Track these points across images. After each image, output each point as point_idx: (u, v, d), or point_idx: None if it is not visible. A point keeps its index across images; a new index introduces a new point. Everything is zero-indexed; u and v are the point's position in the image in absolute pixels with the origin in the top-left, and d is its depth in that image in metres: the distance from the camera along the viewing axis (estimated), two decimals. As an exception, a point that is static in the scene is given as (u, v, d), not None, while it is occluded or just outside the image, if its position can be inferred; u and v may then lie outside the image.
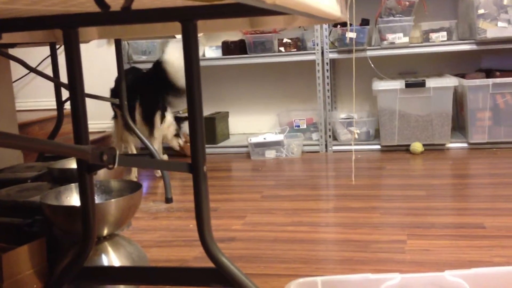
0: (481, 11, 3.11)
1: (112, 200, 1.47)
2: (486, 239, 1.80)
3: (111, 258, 1.53)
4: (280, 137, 3.39)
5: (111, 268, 1.37)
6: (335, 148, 3.51)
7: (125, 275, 1.29)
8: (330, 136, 3.52)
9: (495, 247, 1.72)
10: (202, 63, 3.59)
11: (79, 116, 1.22)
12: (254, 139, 3.37)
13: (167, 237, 2.02)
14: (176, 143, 3.35)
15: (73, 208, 1.49)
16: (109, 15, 1.14)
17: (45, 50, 3.32)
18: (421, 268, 1.59)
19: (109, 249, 1.54)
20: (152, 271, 1.26)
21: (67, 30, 1.19)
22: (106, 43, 3.75)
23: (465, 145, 3.32)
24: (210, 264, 1.20)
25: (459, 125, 3.55)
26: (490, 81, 3.18)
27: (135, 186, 1.60)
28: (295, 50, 3.52)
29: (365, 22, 3.38)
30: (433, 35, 3.33)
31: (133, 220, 2.25)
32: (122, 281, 1.38)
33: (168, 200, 2.48)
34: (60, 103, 2.45)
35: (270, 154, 3.37)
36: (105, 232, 1.52)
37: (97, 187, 1.64)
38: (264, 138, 3.38)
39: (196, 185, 1.14)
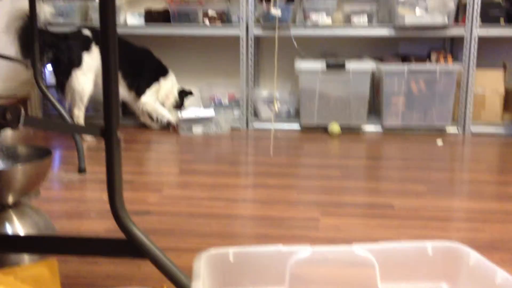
0: (401, -2, 3.21)
1: (18, 166, 1.39)
2: (394, 218, 1.87)
3: (16, 227, 1.45)
4: (210, 112, 3.33)
5: (15, 237, 1.30)
6: (256, 125, 3.53)
7: (30, 244, 1.23)
8: (251, 113, 3.53)
9: (402, 226, 1.80)
10: (123, 30, 3.47)
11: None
12: (185, 114, 3.30)
13: (78, 208, 1.95)
14: (171, 116, 3.39)
15: (-26, 173, 1.40)
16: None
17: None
18: (332, 244, 1.63)
19: (14, 217, 1.46)
20: (59, 240, 1.21)
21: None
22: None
23: (379, 128, 3.44)
24: (122, 236, 1.16)
25: (375, 108, 3.67)
26: (406, 66, 3.30)
27: (44, 153, 1.52)
28: (220, 23, 3.47)
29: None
30: (354, 18, 3.39)
31: (43, 189, 2.15)
32: (27, 250, 1.31)
33: (81, 170, 2.39)
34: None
35: (198, 129, 3.31)
36: (10, 200, 1.44)
37: (2, 152, 1.54)
38: (195, 114, 3.32)
39: (108, 150, 1.09)
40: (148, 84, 3.37)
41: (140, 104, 3.37)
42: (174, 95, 3.47)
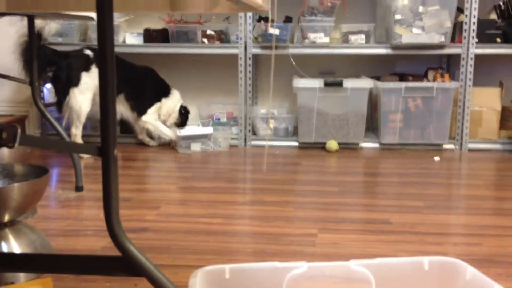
0: (397, 17, 3.24)
1: (15, 184, 1.40)
2: (391, 234, 1.87)
3: (12, 245, 1.45)
4: (209, 130, 3.35)
5: (11, 255, 1.29)
6: (254, 142, 3.54)
7: (26, 262, 1.23)
8: (249, 130, 3.54)
9: (399, 242, 1.80)
10: (122, 50, 3.50)
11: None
12: (183, 132, 3.32)
13: (75, 226, 1.95)
14: (172, 134, 3.43)
15: (-29, 191, 1.40)
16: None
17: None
18: (329, 260, 1.63)
19: (10, 236, 1.46)
20: (54, 258, 1.20)
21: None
22: (19, 19, 3.55)
23: (377, 145, 3.45)
24: (118, 254, 1.16)
25: (372, 126, 3.68)
26: (403, 84, 3.32)
27: (41, 171, 1.53)
28: (219, 42, 3.50)
29: (288, 19, 3.42)
30: (352, 37, 3.43)
31: (40, 208, 2.15)
32: (22, 268, 1.31)
33: (79, 189, 2.39)
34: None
35: (196, 147, 3.32)
36: (6, 218, 1.44)
37: (-1, 171, 1.55)
38: (193, 131, 3.33)
39: (105, 169, 1.10)
40: (149, 104, 3.39)
41: (141, 122, 3.39)
42: (176, 113, 3.49)
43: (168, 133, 3.43)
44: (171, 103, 3.47)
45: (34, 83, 2.26)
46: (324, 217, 2.06)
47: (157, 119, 3.43)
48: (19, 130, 0.91)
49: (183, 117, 3.52)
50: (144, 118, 3.38)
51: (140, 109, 3.37)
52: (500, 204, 2.24)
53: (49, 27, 3.20)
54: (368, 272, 1.10)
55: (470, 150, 3.41)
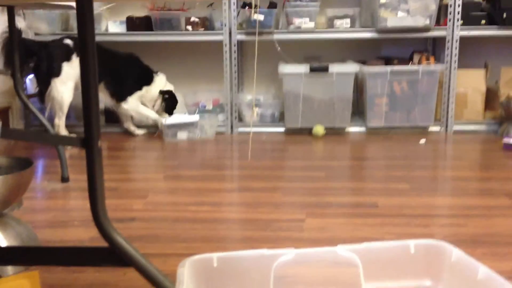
0: (382, 0, 3.23)
1: (-1, 177, 1.38)
2: (378, 217, 1.89)
3: (-2, 238, 1.44)
4: (195, 118, 3.33)
5: (-3, 249, 1.29)
6: (240, 129, 3.53)
7: (13, 255, 1.22)
8: (236, 117, 3.53)
9: (386, 225, 1.81)
10: (105, 38, 3.46)
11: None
12: (169, 120, 3.29)
13: (61, 218, 1.94)
14: (156, 115, 3.41)
15: (-46, 185, 1.39)
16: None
17: None
18: (317, 245, 1.64)
19: (-4, 229, 1.45)
20: (41, 251, 1.20)
21: None
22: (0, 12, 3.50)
23: (363, 129, 3.47)
24: (106, 245, 1.15)
25: (358, 110, 3.69)
26: (388, 68, 3.33)
27: (26, 163, 1.52)
28: (203, 29, 3.48)
29: (272, 5, 3.40)
30: (337, 22, 3.42)
31: (26, 200, 2.13)
32: (10, 262, 1.30)
33: (64, 179, 2.37)
34: None
35: (183, 135, 3.30)
36: (-9, 211, 1.43)
37: (-17, 164, 1.53)
38: (179, 119, 3.31)
39: (89, 160, 1.09)
40: (129, 92, 3.35)
41: (123, 110, 3.36)
42: (160, 99, 3.46)
43: (152, 115, 3.40)
44: (155, 89, 3.44)
45: (16, 75, 2.23)
46: (312, 202, 2.07)
47: (139, 104, 3.39)
48: (0, 123, 0.90)
49: (167, 102, 3.48)
50: (124, 104, 3.34)
51: (119, 97, 3.34)
52: (484, 185, 2.26)
53: (39, 27, 3.16)
54: (355, 257, 1.11)
55: (456, 132, 3.44)
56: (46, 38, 3.24)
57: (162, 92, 3.44)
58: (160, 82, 3.45)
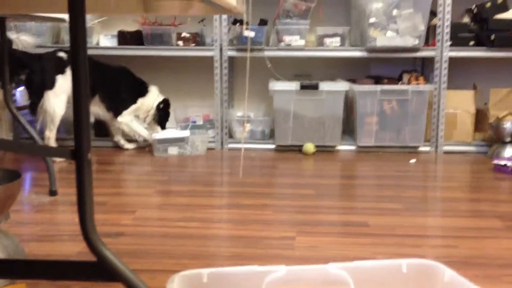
0: (372, 20, 3.26)
1: (-14, 189, 1.36)
2: (369, 237, 1.88)
3: (-17, 252, 1.41)
4: (185, 133, 3.32)
5: (-18, 263, 1.26)
6: (230, 145, 3.52)
7: (0, 268, 1.19)
8: (226, 133, 3.52)
9: (377, 244, 1.80)
10: (96, 52, 3.45)
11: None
12: (159, 135, 3.28)
13: (49, 231, 1.90)
14: (146, 133, 3.42)
15: None
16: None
17: None
18: (308, 264, 1.63)
19: (-19, 242, 1.42)
20: (28, 264, 1.17)
21: None
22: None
23: (353, 147, 3.47)
24: (94, 259, 1.13)
25: (348, 128, 3.70)
26: (378, 87, 3.34)
27: (14, 175, 1.49)
28: (194, 44, 3.48)
29: (263, 22, 3.42)
30: (327, 40, 3.44)
31: (13, 212, 2.10)
32: (-5, 276, 1.27)
33: (53, 193, 2.34)
34: None
35: (173, 150, 3.29)
36: (-23, 223, 1.40)
37: (-30, 175, 1.51)
38: (169, 134, 3.29)
39: (79, 172, 1.07)
40: (124, 106, 3.35)
41: (116, 123, 3.36)
42: (154, 109, 3.46)
43: (143, 133, 3.40)
44: (149, 101, 3.43)
45: (6, 86, 2.21)
46: (302, 220, 2.05)
47: (133, 120, 3.39)
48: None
49: (161, 112, 3.47)
50: (119, 118, 3.34)
51: (115, 111, 3.34)
52: (475, 206, 2.27)
53: (26, 41, 3.14)
54: (346, 275, 1.10)
55: (446, 152, 3.45)
56: (35, 51, 3.22)
57: (160, 102, 3.44)
58: (154, 94, 3.45)
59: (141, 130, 3.40)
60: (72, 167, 2.88)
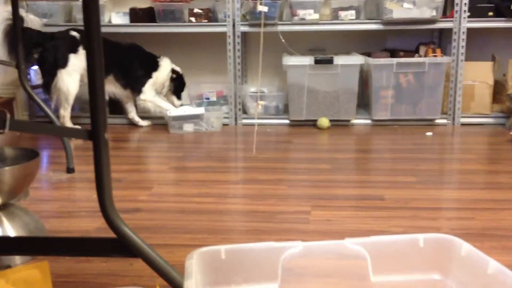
0: (388, -8, 3.21)
1: (6, 168, 1.38)
2: (385, 210, 1.88)
3: (6, 228, 1.44)
4: (200, 110, 3.32)
5: (5, 238, 1.28)
6: (244, 121, 3.52)
7: (21, 245, 1.22)
8: (240, 109, 3.52)
9: (393, 217, 1.80)
10: (108, 30, 3.45)
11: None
12: (174, 112, 3.29)
13: (68, 208, 1.93)
14: (171, 107, 3.41)
15: (-39, 176, 1.38)
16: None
17: None
18: (323, 237, 1.64)
19: (3, 219, 1.45)
20: (49, 241, 1.20)
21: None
22: (3, 2, 3.49)
23: (368, 121, 3.45)
24: (113, 235, 1.15)
25: (363, 102, 3.67)
26: (394, 60, 3.31)
27: (32, 154, 1.51)
28: (206, 21, 3.46)
29: (277, -4, 3.38)
30: (342, 13, 3.40)
31: (32, 190, 2.13)
32: (18, 251, 1.30)
33: (70, 170, 2.37)
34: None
35: (189, 127, 3.29)
36: (-2, 201, 1.43)
37: (-11, 155, 1.53)
38: (184, 111, 3.30)
39: (96, 152, 1.08)
40: (142, 83, 3.36)
41: (141, 102, 3.37)
42: (168, 81, 3.46)
43: (168, 107, 3.41)
44: (163, 74, 3.44)
45: (21, 66, 2.22)
46: (317, 194, 2.06)
47: (155, 95, 3.40)
48: (8, 116, 0.89)
49: (176, 82, 3.48)
50: (142, 96, 3.36)
51: (132, 89, 3.35)
52: (492, 178, 2.25)
53: (31, 20, 3.14)
54: (363, 250, 1.10)
55: (463, 124, 3.42)
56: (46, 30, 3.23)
57: (172, 72, 3.45)
58: (166, 65, 3.45)
59: (165, 105, 3.41)
60: (88, 145, 2.91)
